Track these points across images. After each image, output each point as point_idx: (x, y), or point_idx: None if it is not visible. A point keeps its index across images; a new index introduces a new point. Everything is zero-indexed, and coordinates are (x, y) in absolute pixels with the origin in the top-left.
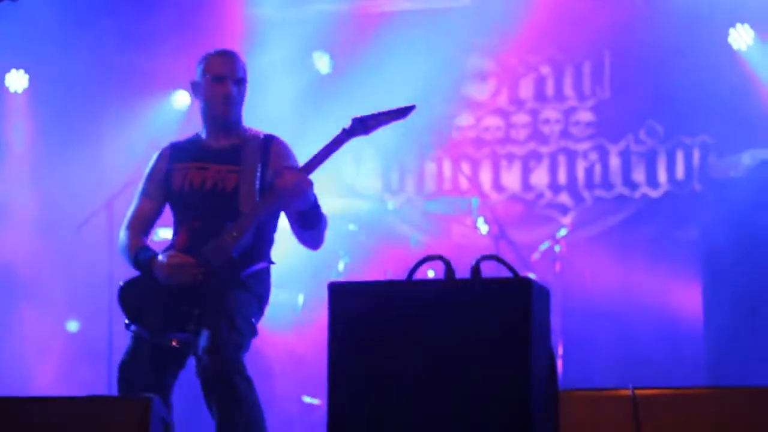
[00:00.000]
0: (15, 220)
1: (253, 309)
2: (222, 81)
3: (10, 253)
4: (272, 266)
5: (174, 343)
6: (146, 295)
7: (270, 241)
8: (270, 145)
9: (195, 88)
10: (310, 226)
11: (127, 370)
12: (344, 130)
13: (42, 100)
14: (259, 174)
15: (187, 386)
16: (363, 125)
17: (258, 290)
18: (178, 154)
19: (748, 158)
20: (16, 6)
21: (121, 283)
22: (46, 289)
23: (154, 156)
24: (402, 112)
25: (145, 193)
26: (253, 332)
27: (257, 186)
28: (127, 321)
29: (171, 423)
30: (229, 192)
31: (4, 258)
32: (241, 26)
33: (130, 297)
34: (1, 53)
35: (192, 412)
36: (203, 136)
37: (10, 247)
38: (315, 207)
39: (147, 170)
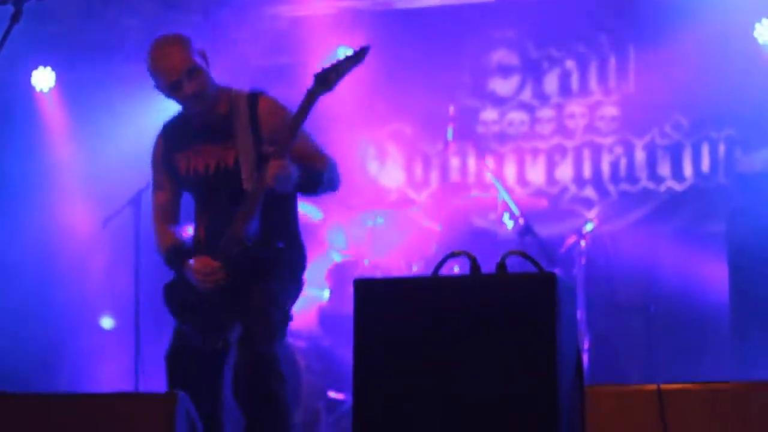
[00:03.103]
0: (43, 217)
1: (287, 294)
2: (177, 86)
3: (39, 249)
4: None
5: (219, 346)
6: (188, 297)
7: (283, 222)
8: (257, 105)
9: (160, 92)
10: (311, 191)
11: (176, 363)
12: (308, 91)
13: (68, 99)
14: (253, 143)
15: None
16: (325, 81)
17: (289, 271)
18: (172, 139)
19: None
20: (42, 5)
21: (164, 285)
22: (73, 285)
23: (153, 146)
24: (358, 57)
25: (157, 185)
26: (288, 320)
27: (255, 157)
28: (176, 321)
29: (219, 416)
30: (231, 170)
31: (34, 253)
32: (264, 25)
33: (174, 297)
34: (28, 52)
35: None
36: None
37: (39, 244)
38: (302, 182)
39: (150, 160)
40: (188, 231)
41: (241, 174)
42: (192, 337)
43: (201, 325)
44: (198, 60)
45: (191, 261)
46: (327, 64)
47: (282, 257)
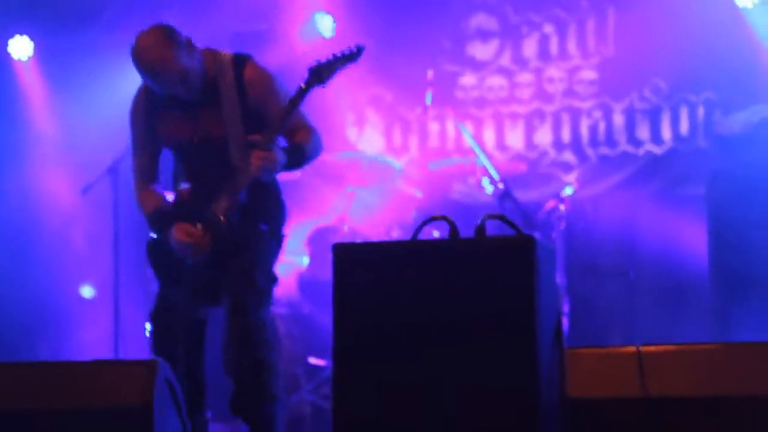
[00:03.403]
0: (22, 187)
1: (271, 253)
2: (172, 98)
3: (18, 218)
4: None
5: (202, 315)
6: (173, 260)
7: (266, 196)
8: (243, 72)
9: None
10: (295, 168)
11: (160, 325)
12: (300, 87)
13: (46, 68)
14: (240, 110)
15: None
16: (319, 76)
17: (272, 226)
18: (155, 98)
19: (753, 114)
20: None
21: (148, 240)
22: (52, 255)
23: (133, 100)
24: (353, 55)
25: (136, 143)
26: (274, 283)
27: (241, 126)
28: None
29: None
30: (216, 139)
31: (13, 222)
32: None
33: (158, 257)
34: (4, 20)
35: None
36: None
37: (18, 212)
38: (288, 163)
39: (130, 116)
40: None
41: (228, 143)
42: (175, 301)
43: (185, 291)
44: (184, 62)
45: (174, 229)
46: (322, 59)
47: (264, 237)
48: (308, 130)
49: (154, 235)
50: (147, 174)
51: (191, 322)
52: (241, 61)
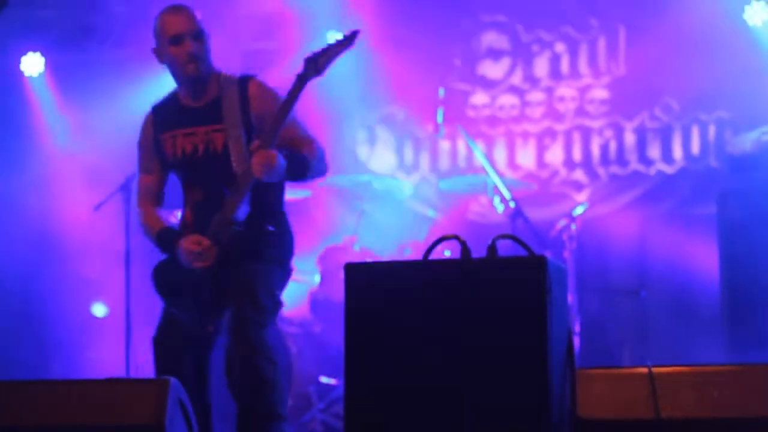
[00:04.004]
0: (34, 204)
1: (276, 278)
2: (180, 40)
3: (29, 236)
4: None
5: (209, 329)
6: (177, 279)
7: (271, 206)
8: (247, 88)
9: (158, 55)
10: (299, 178)
11: (164, 345)
12: (298, 76)
13: (58, 84)
14: (242, 126)
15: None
16: (315, 65)
17: (278, 255)
18: (161, 120)
19: (764, 134)
20: None
21: (153, 266)
22: (65, 273)
23: (140, 126)
24: (348, 40)
25: (143, 168)
26: (278, 306)
27: (244, 140)
28: (164, 303)
29: (206, 400)
30: (220, 153)
31: (25, 240)
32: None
33: (164, 279)
34: (16, 37)
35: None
36: (181, 95)
37: (30, 230)
38: (289, 170)
39: (137, 142)
40: (176, 215)
41: (230, 157)
42: (180, 319)
43: (189, 307)
44: (205, 28)
45: (182, 240)
46: (317, 48)
47: (271, 240)
48: (313, 144)
49: (162, 255)
50: (152, 198)
51: (196, 339)
52: (245, 78)
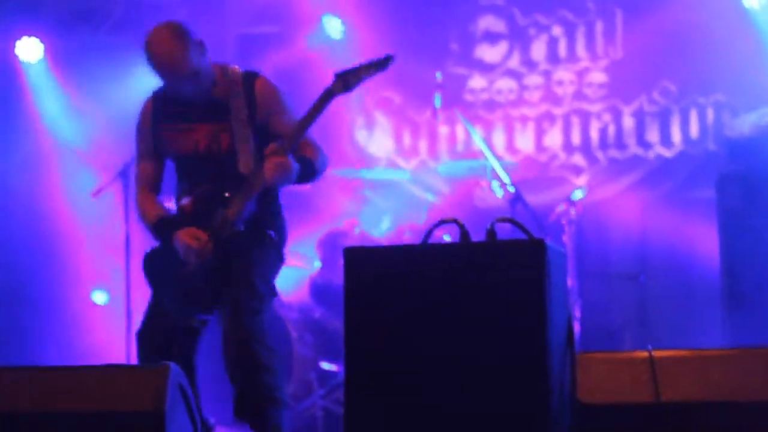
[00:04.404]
0: (33, 191)
1: (271, 262)
2: (175, 85)
3: (29, 222)
4: (288, 223)
5: (197, 320)
6: (169, 269)
7: (271, 204)
8: (254, 87)
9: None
10: (304, 183)
11: (147, 339)
12: (326, 90)
13: (55, 69)
14: (250, 125)
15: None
16: (344, 83)
17: (274, 236)
18: (161, 110)
19: (762, 116)
20: None
21: (145, 252)
22: (65, 259)
23: (139, 112)
24: (381, 64)
25: (141, 154)
26: (273, 293)
27: (252, 140)
28: (153, 291)
29: (193, 390)
30: (225, 153)
31: (25, 226)
32: None
33: (155, 268)
34: (12, 21)
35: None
36: None
37: (29, 216)
38: (300, 176)
39: (135, 128)
40: (172, 203)
41: (234, 156)
42: (167, 311)
43: (179, 298)
44: (196, 61)
45: (180, 232)
46: (349, 66)
47: (270, 243)
48: (315, 146)
49: (157, 243)
50: (150, 184)
51: (184, 330)
52: (251, 76)
